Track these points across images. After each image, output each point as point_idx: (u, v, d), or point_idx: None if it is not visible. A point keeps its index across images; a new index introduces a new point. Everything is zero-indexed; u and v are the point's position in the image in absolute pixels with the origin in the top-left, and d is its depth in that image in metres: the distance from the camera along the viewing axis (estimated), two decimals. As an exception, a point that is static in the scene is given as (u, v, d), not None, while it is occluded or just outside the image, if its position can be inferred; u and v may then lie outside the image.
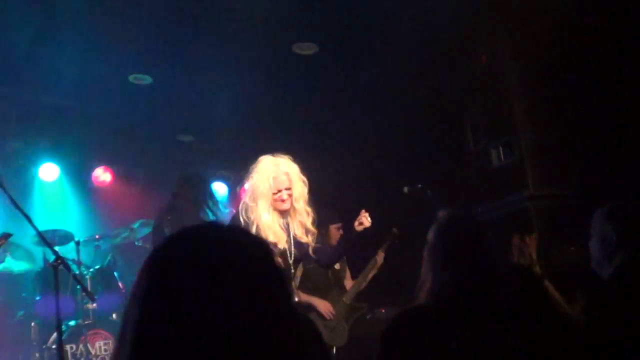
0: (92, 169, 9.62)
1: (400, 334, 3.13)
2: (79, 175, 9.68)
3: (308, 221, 5.91)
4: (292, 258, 5.95)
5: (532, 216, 7.03)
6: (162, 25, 7.10)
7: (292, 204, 5.82)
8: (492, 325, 3.15)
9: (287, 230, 5.92)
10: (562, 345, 3.46)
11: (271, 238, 5.75)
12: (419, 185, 7.03)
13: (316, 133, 9.34)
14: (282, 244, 5.85)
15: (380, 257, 7.90)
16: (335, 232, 7.90)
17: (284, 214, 5.87)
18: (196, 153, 9.99)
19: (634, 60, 6.42)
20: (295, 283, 7.64)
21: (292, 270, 6.04)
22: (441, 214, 3.73)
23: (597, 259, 4.26)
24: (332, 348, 7.58)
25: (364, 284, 7.89)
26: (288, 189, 5.76)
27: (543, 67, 7.23)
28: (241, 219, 5.83)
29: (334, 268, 7.84)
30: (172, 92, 8.64)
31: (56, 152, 9.46)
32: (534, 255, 5.01)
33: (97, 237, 8.48)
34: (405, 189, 7.09)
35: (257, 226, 5.78)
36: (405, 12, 7.03)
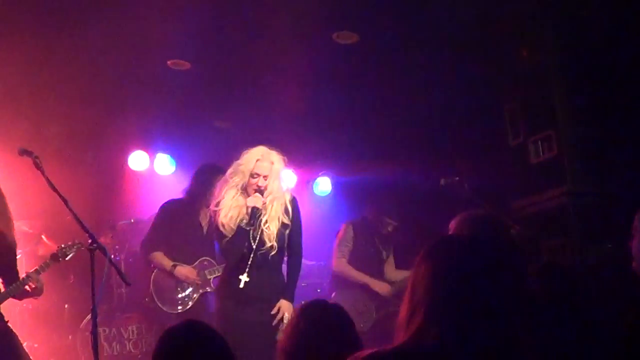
0: (127, 153, 9.62)
1: None
2: (115, 159, 9.68)
3: (276, 228, 5.94)
4: (255, 245, 5.89)
5: (570, 212, 6.96)
6: (202, 11, 7.09)
7: (264, 197, 5.91)
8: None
9: (258, 218, 5.91)
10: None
11: (229, 214, 5.87)
12: (456, 178, 7.00)
13: (356, 123, 9.30)
14: (239, 222, 5.88)
15: None
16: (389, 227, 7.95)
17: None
18: (232, 139, 9.97)
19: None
20: (346, 256, 7.72)
21: (251, 256, 5.91)
22: (463, 216, 3.67)
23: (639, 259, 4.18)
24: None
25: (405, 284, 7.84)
26: (265, 177, 5.89)
27: (585, 60, 7.16)
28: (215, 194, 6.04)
29: (382, 257, 7.87)
30: (210, 77, 8.62)
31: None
32: None
33: (131, 221, 8.50)
34: (442, 182, 7.07)
35: (221, 200, 5.95)
36: (446, 2, 6.97)
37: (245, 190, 5.95)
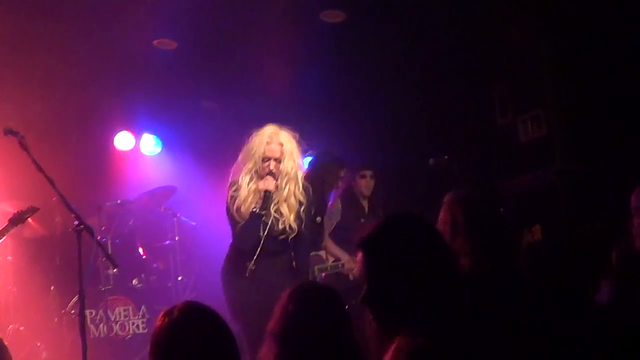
0: (113, 133, 9.57)
1: None
2: (101, 140, 9.63)
3: (292, 210, 5.71)
4: (265, 232, 5.63)
5: (560, 191, 6.96)
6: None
7: (278, 180, 5.68)
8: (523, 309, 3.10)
9: (268, 202, 5.68)
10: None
11: (249, 201, 5.65)
12: (445, 157, 6.98)
13: (343, 102, 9.27)
14: (252, 208, 5.64)
15: None
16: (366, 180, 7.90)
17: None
18: (219, 119, 9.93)
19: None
20: (329, 229, 7.69)
21: (261, 241, 5.65)
22: (454, 192, 3.65)
23: None
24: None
25: None
26: (277, 160, 5.66)
27: (572, 41, 7.15)
28: (230, 180, 5.82)
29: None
30: (197, 57, 8.56)
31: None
32: None
33: (118, 202, 8.45)
34: (431, 161, 7.04)
35: (239, 187, 5.71)
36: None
37: (260, 175, 5.72)
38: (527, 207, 7.06)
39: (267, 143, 5.66)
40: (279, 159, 5.66)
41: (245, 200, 5.67)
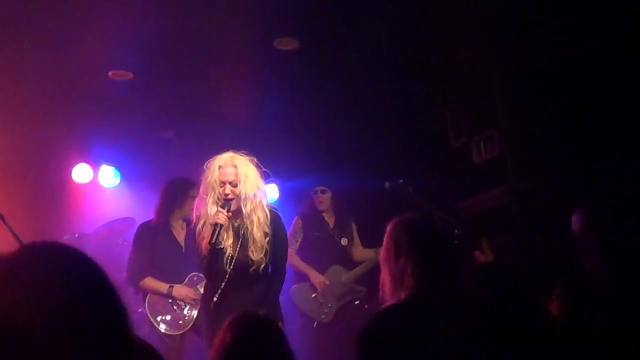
0: (70, 166, 9.52)
1: (376, 338, 3.10)
2: (58, 172, 9.58)
3: (258, 231, 5.56)
4: (232, 265, 5.55)
5: (513, 211, 7.03)
6: (143, 21, 7.04)
7: (239, 206, 5.53)
8: (468, 323, 3.13)
9: (238, 234, 5.59)
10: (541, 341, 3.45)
11: (207, 235, 5.49)
12: (401, 181, 7.03)
13: (301, 127, 9.32)
14: (226, 245, 5.54)
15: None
16: (317, 194, 8.09)
17: (236, 215, 5.59)
18: (177, 149, 9.93)
19: (617, 55, 6.42)
20: (295, 247, 7.69)
21: (226, 275, 5.55)
22: (400, 217, 3.70)
23: None
24: (314, 322, 7.60)
25: (366, 270, 7.84)
26: (233, 184, 5.50)
27: (524, 62, 7.23)
28: (194, 215, 5.70)
29: (341, 244, 7.87)
30: (153, 87, 8.56)
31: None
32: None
33: (76, 235, 8.39)
34: (387, 185, 7.10)
35: (204, 222, 5.56)
36: (387, 7, 6.99)
37: (221, 205, 5.54)
38: (482, 227, 7.12)
39: (220, 167, 5.53)
40: (234, 182, 5.49)
41: (205, 234, 5.54)
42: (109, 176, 9.77)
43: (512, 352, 3.20)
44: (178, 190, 7.20)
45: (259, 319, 3.57)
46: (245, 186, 5.51)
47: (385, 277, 3.43)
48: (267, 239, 5.61)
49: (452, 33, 7.48)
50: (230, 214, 5.52)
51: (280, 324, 5.41)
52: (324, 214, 8.04)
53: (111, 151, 9.74)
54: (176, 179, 7.41)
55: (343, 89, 8.52)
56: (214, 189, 5.52)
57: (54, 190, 9.49)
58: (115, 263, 8.72)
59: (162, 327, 7.03)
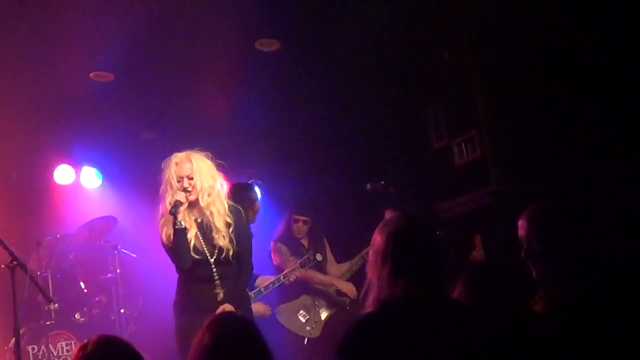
0: (53, 167, 9.50)
1: (356, 344, 3.09)
2: (40, 174, 9.56)
3: (219, 221, 5.69)
4: (213, 258, 5.67)
5: (495, 212, 7.03)
6: (124, 22, 7.03)
7: (198, 198, 5.64)
8: (451, 333, 3.12)
9: (202, 227, 5.71)
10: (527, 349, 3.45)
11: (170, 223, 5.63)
12: (382, 182, 7.04)
13: (278, 130, 9.32)
14: (190, 235, 5.64)
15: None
16: (299, 224, 7.91)
17: (195, 208, 5.72)
18: (159, 150, 9.90)
19: (598, 54, 6.43)
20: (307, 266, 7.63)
21: (214, 271, 5.69)
22: (389, 214, 3.69)
23: None
24: (304, 339, 7.58)
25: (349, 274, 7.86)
26: (190, 178, 5.61)
27: (505, 62, 7.22)
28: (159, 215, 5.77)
29: (317, 259, 7.85)
30: (135, 89, 8.54)
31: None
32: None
33: (58, 236, 8.38)
34: (368, 186, 7.11)
35: (165, 218, 5.69)
36: (367, 8, 7.00)
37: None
38: (464, 228, 7.13)
39: (176, 164, 5.68)
40: (190, 176, 5.62)
41: (167, 224, 5.67)
42: (91, 177, 9.75)
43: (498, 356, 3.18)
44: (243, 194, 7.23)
45: (237, 320, 3.58)
46: (201, 178, 5.64)
47: (373, 280, 3.41)
48: (231, 229, 5.73)
49: (434, 35, 7.50)
50: (187, 202, 5.62)
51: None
52: (300, 240, 8.01)
53: (93, 152, 9.72)
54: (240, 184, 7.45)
55: (324, 90, 8.53)
56: (171, 185, 5.64)
57: (36, 192, 9.47)
58: (98, 263, 8.78)
59: None
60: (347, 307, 7.80)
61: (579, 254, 3.73)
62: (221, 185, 5.88)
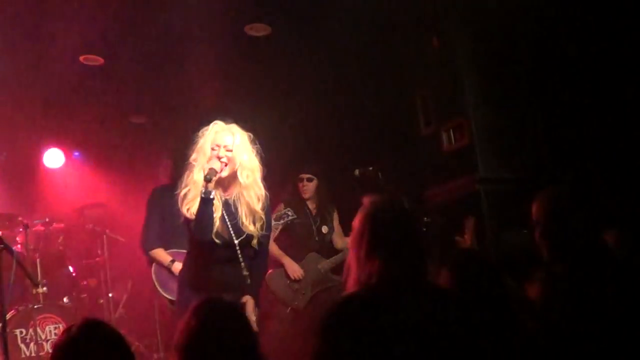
0: (42, 150, 9.51)
1: (338, 324, 3.10)
2: (30, 157, 9.56)
3: (256, 203, 5.19)
4: (239, 239, 5.18)
5: (482, 199, 7.05)
6: (114, 6, 7.03)
7: (234, 173, 5.15)
8: (431, 312, 3.14)
9: (228, 208, 5.22)
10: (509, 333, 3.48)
11: (195, 198, 5.08)
12: (370, 168, 7.04)
13: (268, 115, 9.32)
14: (215, 217, 5.10)
15: None
16: (304, 183, 7.88)
17: (221, 187, 5.20)
18: (149, 135, 9.91)
19: (588, 42, 6.44)
20: (275, 234, 7.58)
21: (238, 252, 5.20)
22: (366, 200, 3.71)
23: None
24: (287, 308, 7.58)
25: (342, 259, 7.81)
26: (228, 149, 5.13)
27: (495, 50, 7.23)
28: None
29: (321, 231, 7.82)
30: (124, 72, 8.54)
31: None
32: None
33: (46, 220, 8.38)
34: (357, 172, 7.11)
35: (189, 187, 5.15)
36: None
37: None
38: (451, 215, 7.13)
39: (216, 132, 5.23)
40: (229, 148, 5.15)
41: (189, 195, 5.13)
42: (79, 161, 9.76)
43: (483, 341, 3.21)
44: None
45: (223, 305, 3.58)
46: (241, 155, 5.20)
47: (351, 262, 3.41)
48: (262, 215, 5.29)
49: (423, 21, 7.49)
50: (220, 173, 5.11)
51: (256, 309, 5.31)
52: (307, 201, 7.95)
53: (83, 136, 9.71)
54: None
55: (313, 76, 8.53)
56: (205, 153, 5.15)
57: (25, 175, 9.47)
58: (86, 247, 8.79)
59: (168, 296, 6.99)
60: (338, 287, 7.81)
61: (589, 235, 3.81)
62: (257, 166, 5.34)
